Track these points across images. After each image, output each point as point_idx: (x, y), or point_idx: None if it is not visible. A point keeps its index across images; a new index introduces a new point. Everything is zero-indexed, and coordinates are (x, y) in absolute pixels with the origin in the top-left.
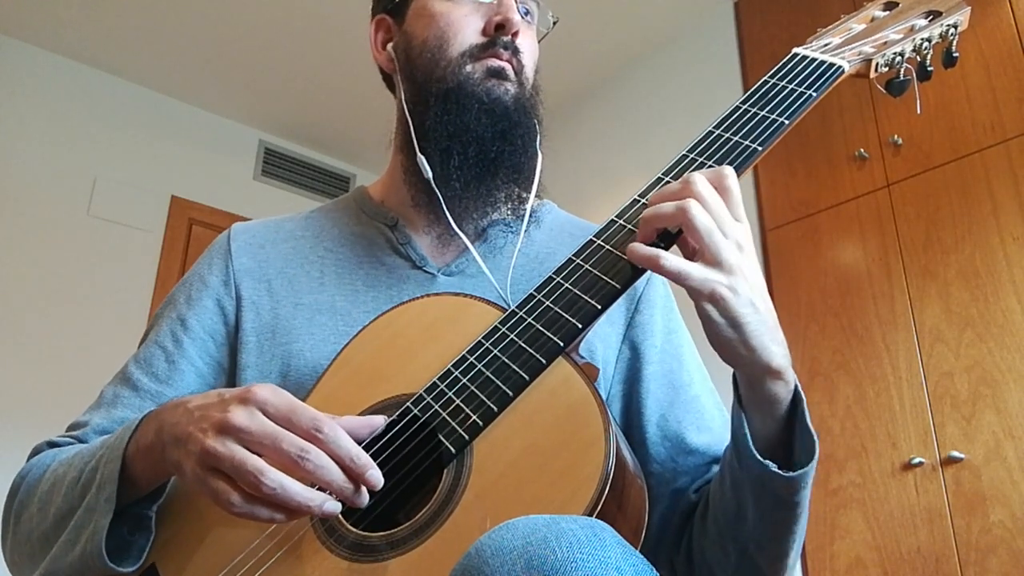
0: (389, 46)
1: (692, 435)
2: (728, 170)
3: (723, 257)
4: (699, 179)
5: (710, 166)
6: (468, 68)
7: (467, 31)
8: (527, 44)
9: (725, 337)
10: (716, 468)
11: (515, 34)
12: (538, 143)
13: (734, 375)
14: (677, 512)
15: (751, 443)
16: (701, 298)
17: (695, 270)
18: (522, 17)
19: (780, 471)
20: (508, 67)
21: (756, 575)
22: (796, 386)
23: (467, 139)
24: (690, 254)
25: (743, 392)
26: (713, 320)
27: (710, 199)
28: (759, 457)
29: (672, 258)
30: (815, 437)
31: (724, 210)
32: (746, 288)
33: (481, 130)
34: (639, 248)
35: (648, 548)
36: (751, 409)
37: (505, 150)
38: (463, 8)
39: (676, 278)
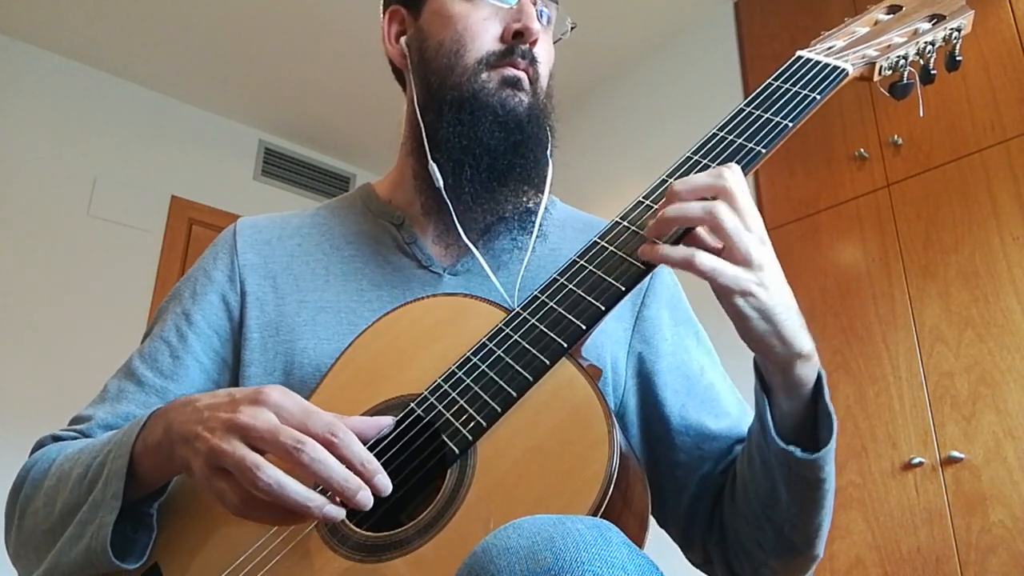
0: (402, 40)
1: (711, 422)
2: (735, 168)
3: (751, 254)
4: (730, 173)
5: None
6: (484, 76)
7: (485, 37)
8: (544, 51)
9: (759, 330)
10: (738, 448)
11: (533, 42)
12: (549, 151)
13: (755, 361)
14: (706, 496)
15: (773, 431)
16: (732, 295)
17: (728, 268)
18: (540, 21)
19: (804, 454)
20: (524, 77)
21: (792, 552)
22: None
23: (480, 151)
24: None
25: (771, 379)
26: (746, 315)
27: (739, 194)
28: (781, 444)
29: (706, 257)
30: (833, 414)
31: (751, 204)
32: (773, 280)
33: (494, 143)
34: (673, 251)
35: (679, 532)
36: (779, 393)
37: (517, 163)
38: (482, 11)
39: (710, 276)
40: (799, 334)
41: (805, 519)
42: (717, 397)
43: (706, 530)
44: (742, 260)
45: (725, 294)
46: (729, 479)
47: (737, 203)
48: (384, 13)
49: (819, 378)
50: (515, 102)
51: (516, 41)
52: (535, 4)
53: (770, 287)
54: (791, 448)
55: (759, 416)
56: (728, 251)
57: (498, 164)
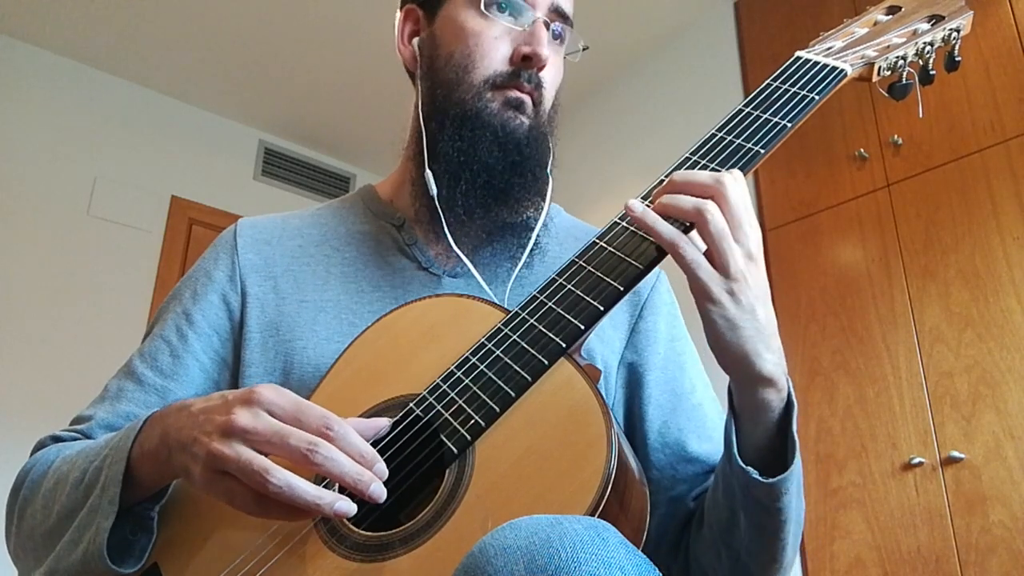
0: (415, 41)
1: (693, 443)
2: (737, 174)
3: (730, 263)
4: (730, 180)
5: (713, 169)
6: (488, 96)
7: (494, 56)
8: (551, 74)
9: (724, 340)
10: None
11: (541, 67)
12: (549, 168)
13: (729, 383)
14: (675, 519)
15: (735, 448)
16: (703, 297)
17: (706, 267)
18: (553, 39)
19: (760, 477)
20: (528, 100)
21: None
22: (790, 394)
23: (477, 167)
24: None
25: (735, 397)
26: (713, 321)
27: (736, 201)
28: (740, 462)
29: (691, 248)
30: (795, 445)
31: (746, 215)
32: (748, 295)
33: (492, 161)
34: (664, 226)
35: (647, 553)
36: (743, 414)
37: (514, 182)
38: (495, 29)
39: (691, 267)
40: (762, 355)
41: (762, 548)
42: (704, 419)
43: (671, 555)
44: (720, 267)
45: (698, 294)
46: (699, 507)
47: (731, 211)
48: (400, 10)
49: (788, 408)
50: (515, 124)
51: (524, 64)
52: (550, 24)
53: (743, 301)
54: (748, 468)
55: (725, 436)
56: (709, 255)
57: (495, 183)
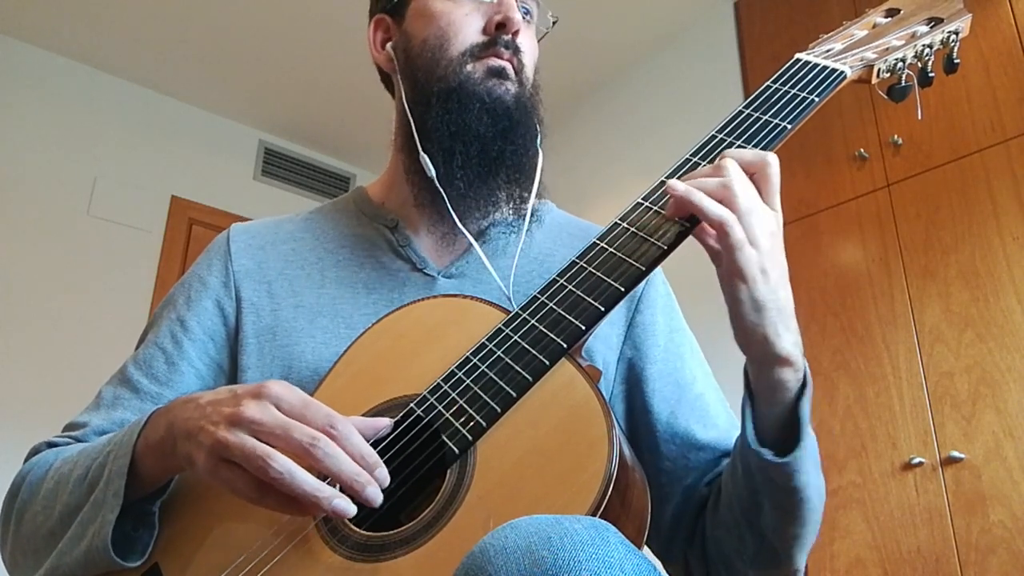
0: (388, 46)
1: (699, 431)
2: (772, 157)
3: (759, 241)
4: (732, 165)
5: None
6: (469, 67)
7: (468, 30)
8: (527, 43)
9: (748, 320)
10: (725, 462)
11: (515, 33)
12: (539, 142)
13: (745, 364)
14: (690, 507)
15: (750, 429)
16: (737, 276)
17: (749, 250)
18: (522, 17)
19: (773, 457)
20: (509, 66)
21: (774, 559)
22: (806, 374)
23: (469, 138)
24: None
25: (752, 377)
26: (740, 300)
27: (744, 183)
28: (752, 443)
29: (740, 228)
30: (804, 422)
31: (757, 196)
32: (775, 274)
33: (483, 129)
34: (713, 205)
35: (661, 544)
36: (759, 395)
37: (507, 149)
38: (464, 7)
39: (732, 248)
40: (781, 335)
41: (784, 526)
42: (707, 407)
43: (687, 542)
44: (752, 243)
45: (733, 274)
46: (713, 491)
47: (745, 190)
48: (369, 23)
49: (803, 387)
50: (501, 91)
51: (499, 32)
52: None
53: (771, 279)
54: (762, 450)
55: (742, 420)
56: None
57: (488, 151)
